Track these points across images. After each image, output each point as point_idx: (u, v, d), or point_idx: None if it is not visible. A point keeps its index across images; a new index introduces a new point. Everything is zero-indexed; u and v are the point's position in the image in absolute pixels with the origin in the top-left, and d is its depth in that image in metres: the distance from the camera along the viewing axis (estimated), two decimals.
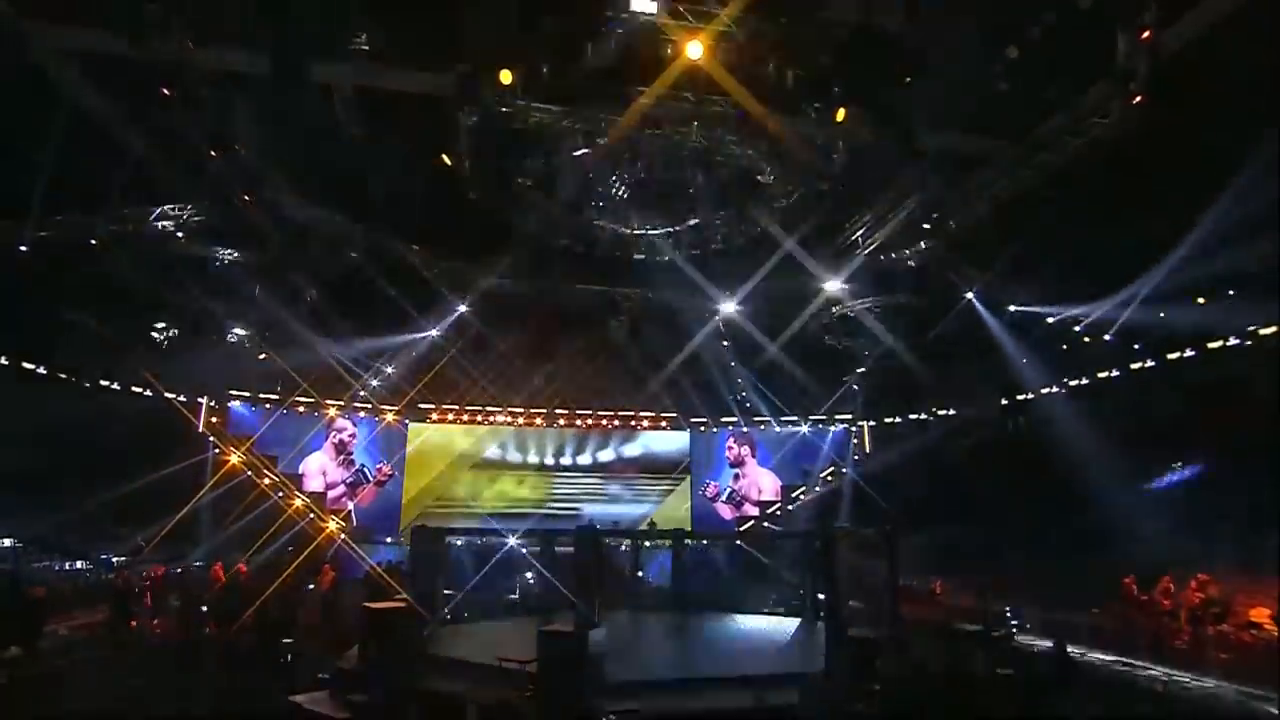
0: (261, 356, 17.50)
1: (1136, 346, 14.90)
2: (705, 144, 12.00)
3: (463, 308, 17.60)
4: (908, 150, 11.61)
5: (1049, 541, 14.70)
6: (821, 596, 12.34)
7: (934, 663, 6.95)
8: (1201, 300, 13.18)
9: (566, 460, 21.47)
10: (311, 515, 18.38)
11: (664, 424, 21.99)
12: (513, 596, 15.54)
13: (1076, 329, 15.24)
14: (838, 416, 21.54)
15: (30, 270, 13.00)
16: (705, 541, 20.13)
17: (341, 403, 19.49)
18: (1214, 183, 10.99)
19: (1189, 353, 14.15)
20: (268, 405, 18.84)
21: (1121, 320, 13.92)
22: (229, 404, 18.45)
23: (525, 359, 19.69)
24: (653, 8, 9.48)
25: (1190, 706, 8.58)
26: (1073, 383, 16.32)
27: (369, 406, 19.90)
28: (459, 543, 15.84)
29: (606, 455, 21.72)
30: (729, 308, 17.80)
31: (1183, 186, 11.45)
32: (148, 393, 16.81)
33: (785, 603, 15.56)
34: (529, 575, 15.87)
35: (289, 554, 15.91)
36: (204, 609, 12.33)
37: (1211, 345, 13.75)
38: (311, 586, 13.45)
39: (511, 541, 15.98)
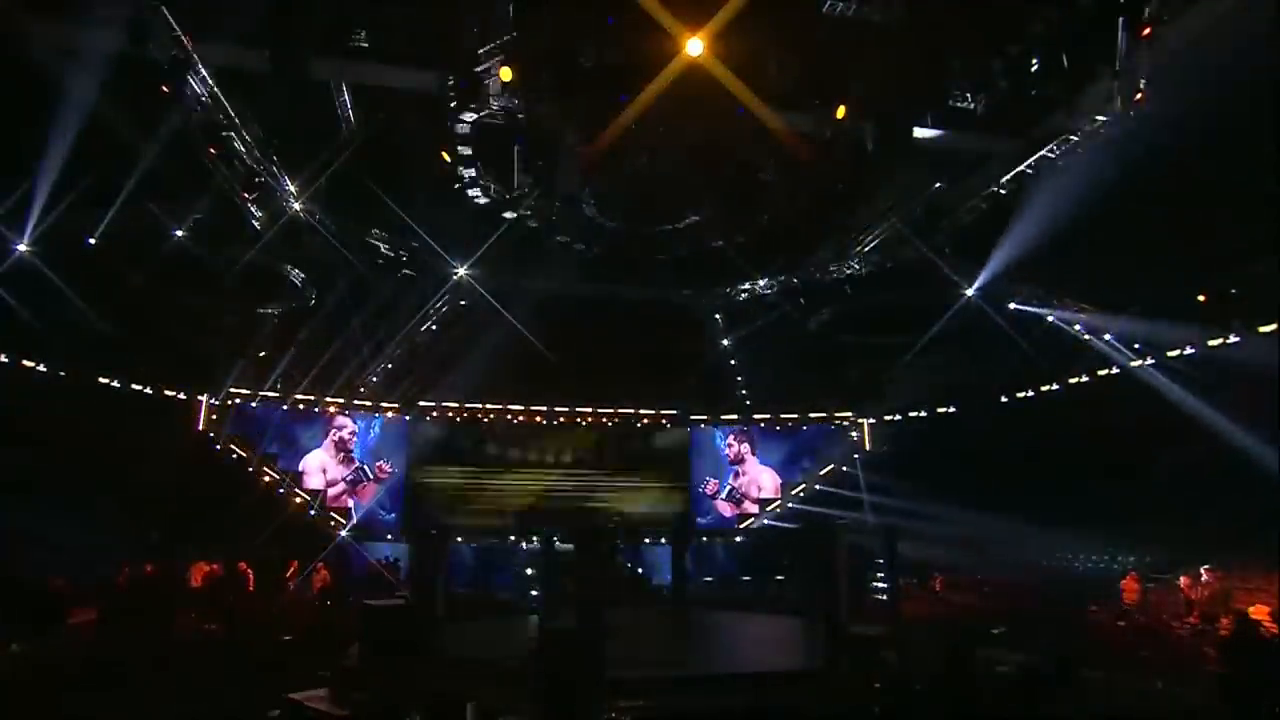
0: (261, 354, 17.47)
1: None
2: (704, 141, 11.96)
3: (462, 302, 17.59)
4: (906, 147, 11.56)
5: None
6: (821, 593, 12.33)
7: (934, 661, 6.94)
8: None
9: (567, 457, 21.46)
10: (312, 513, 18.40)
11: (664, 421, 21.97)
12: (512, 594, 15.57)
13: None
14: (838, 414, 21.55)
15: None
16: (705, 539, 20.13)
17: (341, 400, 19.45)
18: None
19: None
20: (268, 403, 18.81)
21: None
22: (229, 401, 18.42)
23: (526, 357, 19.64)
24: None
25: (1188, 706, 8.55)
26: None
27: (369, 404, 19.87)
28: (459, 540, 15.89)
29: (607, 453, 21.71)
30: (727, 304, 17.80)
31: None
32: (147, 390, 16.81)
33: (785, 600, 15.57)
34: (530, 572, 15.89)
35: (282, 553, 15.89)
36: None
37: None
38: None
39: (512, 539, 16.01)
